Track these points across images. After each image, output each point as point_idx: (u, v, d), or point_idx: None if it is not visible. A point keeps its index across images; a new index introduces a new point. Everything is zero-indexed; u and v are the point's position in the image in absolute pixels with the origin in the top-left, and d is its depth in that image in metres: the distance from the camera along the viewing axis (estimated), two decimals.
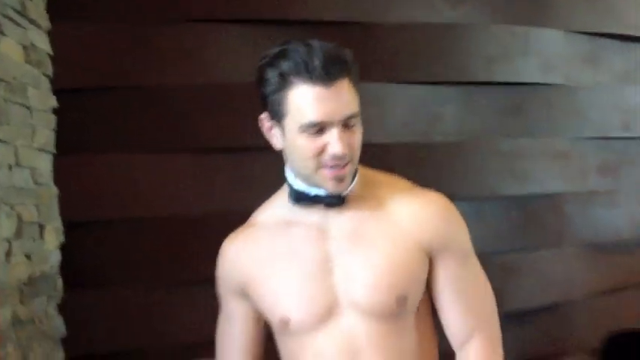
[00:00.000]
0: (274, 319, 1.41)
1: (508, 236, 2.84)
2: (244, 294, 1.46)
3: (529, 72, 2.91)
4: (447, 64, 2.72)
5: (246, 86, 2.37)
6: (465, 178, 2.76)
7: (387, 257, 1.39)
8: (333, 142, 1.30)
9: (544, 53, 2.97)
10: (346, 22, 2.59)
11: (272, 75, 1.32)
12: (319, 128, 1.30)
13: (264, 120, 1.38)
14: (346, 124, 1.30)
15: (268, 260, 1.42)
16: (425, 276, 1.42)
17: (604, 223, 3.16)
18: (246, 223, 1.50)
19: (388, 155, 2.59)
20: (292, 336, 1.41)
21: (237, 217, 2.40)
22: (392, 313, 1.39)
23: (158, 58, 2.37)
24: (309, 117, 1.29)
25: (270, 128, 1.38)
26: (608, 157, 3.18)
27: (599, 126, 3.14)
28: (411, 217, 1.41)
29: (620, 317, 3.14)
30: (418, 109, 2.69)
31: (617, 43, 3.24)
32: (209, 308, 2.37)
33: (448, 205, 1.44)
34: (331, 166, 1.31)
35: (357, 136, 1.33)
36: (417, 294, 1.42)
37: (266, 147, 2.42)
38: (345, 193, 1.37)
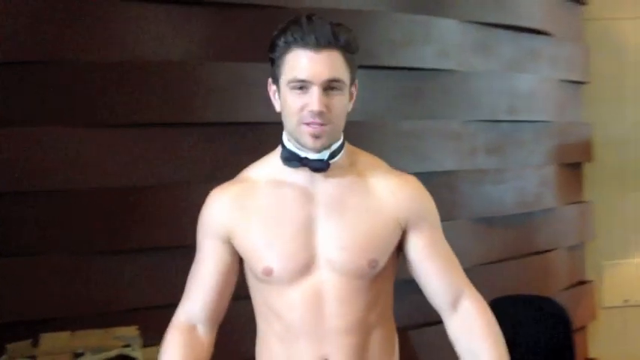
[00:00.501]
0: (258, 268, 1.59)
1: None
2: (227, 240, 1.62)
3: (428, 58, 3.12)
4: None
5: (169, 64, 2.49)
6: None
7: (364, 225, 1.58)
8: (312, 99, 1.48)
9: (441, 41, 3.18)
10: (253, 5, 2.70)
11: (278, 42, 1.52)
12: (302, 86, 1.49)
13: (269, 84, 1.58)
14: (328, 88, 1.49)
15: (257, 214, 1.59)
16: (395, 243, 1.63)
17: (492, 199, 3.42)
18: (237, 178, 1.66)
19: None
20: (270, 284, 1.60)
21: (163, 189, 2.52)
22: (363, 273, 1.59)
23: (82, 33, 2.41)
24: (295, 73, 1.49)
25: (273, 92, 1.57)
26: (496, 138, 3.45)
27: (488, 109, 3.39)
28: (390, 193, 1.61)
29: (505, 284, 3.43)
30: None
31: (507, 33, 3.50)
32: (138, 276, 2.49)
33: (419, 184, 1.67)
34: (309, 123, 1.49)
35: (338, 102, 1.51)
36: (385, 259, 1.62)
37: (192, 123, 2.55)
38: (331, 160, 1.56)
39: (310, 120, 1.49)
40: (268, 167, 1.62)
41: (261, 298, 1.64)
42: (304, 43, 1.49)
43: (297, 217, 1.57)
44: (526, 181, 3.55)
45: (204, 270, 1.65)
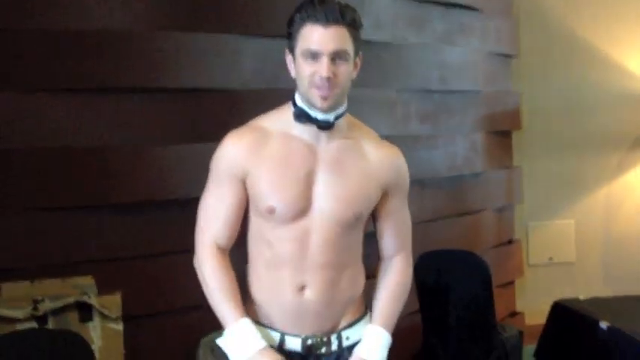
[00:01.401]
0: (263, 205, 1.90)
1: None
2: (242, 180, 1.92)
3: (364, 30, 3.30)
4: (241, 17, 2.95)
5: (112, 32, 2.64)
6: None
7: (356, 183, 1.92)
8: (321, 67, 1.80)
9: (376, 14, 3.38)
10: None
11: (295, 19, 1.83)
12: (313, 55, 1.80)
13: (286, 54, 1.89)
14: (335, 58, 1.80)
15: (268, 160, 1.89)
16: (375, 201, 1.97)
17: (425, 163, 3.65)
18: (250, 125, 1.96)
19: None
20: (270, 222, 1.91)
21: (107, 151, 2.68)
22: (348, 222, 1.92)
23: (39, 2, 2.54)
24: (307, 44, 1.80)
25: (290, 60, 1.87)
26: (429, 106, 3.68)
27: (421, 80, 3.62)
28: (380, 160, 1.95)
29: (437, 242, 3.66)
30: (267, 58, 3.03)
31: (438, 9, 3.72)
32: (93, 231, 2.65)
33: (402, 156, 2.02)
34: (319, 87, 1.81)
35: (343, 70, 1.83)
36: (367, 212, 1.97)
37: (139, 88, 2.70)
38: (333, 120, 1.86)
39: (319, 84, 1.80)
40: (280, 121, 1.92)
41: (258, 229, 1.94)
42: (316, 19, 1.79)
43: (302, 168, 1.88)
44: (456, 147, 3.79)
45: (225, 203, 1.93)
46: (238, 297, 1.94)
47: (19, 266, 2.55)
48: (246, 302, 1.97)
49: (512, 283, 4.39)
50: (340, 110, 1.89)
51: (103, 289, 2.59)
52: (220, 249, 1.96)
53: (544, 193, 4.57)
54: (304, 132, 1.89)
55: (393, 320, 2.01)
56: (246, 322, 1.90)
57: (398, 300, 2.02)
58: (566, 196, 4.60)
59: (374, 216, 2.02)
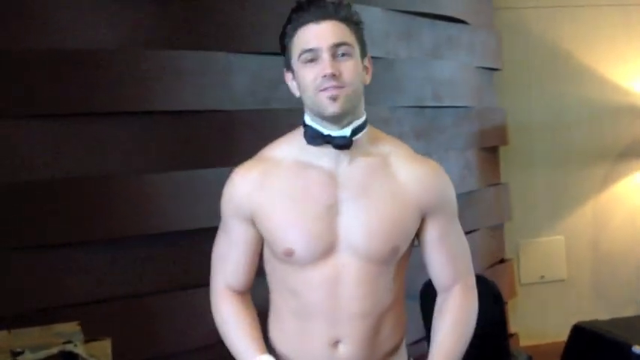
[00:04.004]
0: (279, 249, 1.61)
1: None
2: (251, 221, 1.65)
3: None
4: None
5: (96, 53, 2.42)
6: None
7: (389, 211, 1.61)
8: (323, 64, 1.54)
9: (367, 28, 3.21)
10: None
11: (287, 30, 1.58)
12: (312, 57, 1.54)
13: (285, 72, 1.63)
14: (337, 54, 1.54)
15: (282, 195, 1.61)
16: (415, 231, 1.67)
17: None
18: (258, 157, 1.68)
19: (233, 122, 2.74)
20: (291, 265, 1.62)
21: (91, 182, 2.45)
22: (384, 259, 1.62)
23: (6, 20, 2.32)
24: (302, 45, 1.54)
25: (290, 79, 1.61)
26: (422, 123, 3.53)
27: (414, 96, 3.47)
28: (415, 180, 1.64)
29: None
30: (260, 77, 2.84)
31: (427, 21, 3.59)
32: (68, 270, 2.41)
33: (443, 172, 1.72)
34: (325, 88, 1.53)
35: (350, 66, 1.55)
36: (407, 245, 1.66)
37: (122, 112, 2.48)
38: (350, 135, 1.58)
39: (325, 85, 1.53)
40: (291, 147, 1.65)
41: (279, 276, 1.66)
42: (305, 20, 1.55)
43: (321, 199, 1.59)
44: (451, 165, 3.65)
45: (234, 247, 1.69)
46: (260, 335, 1.68)
47: None
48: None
49: (506, 304, 4.24)
50: (358, 123, 1.60)
51: (91, 335, 2.32)
52: (236, 291, 1.73)
53: (532, 209, 4.47)
54: (321, 156, 1.60)
55: None
56: (269, 358, 1.63)
57: (458, 341, 1.70)
58: (554, 211, 4.51)
59: (421, 246, 1.72)
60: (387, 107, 3.33)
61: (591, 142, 4.52)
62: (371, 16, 3.24)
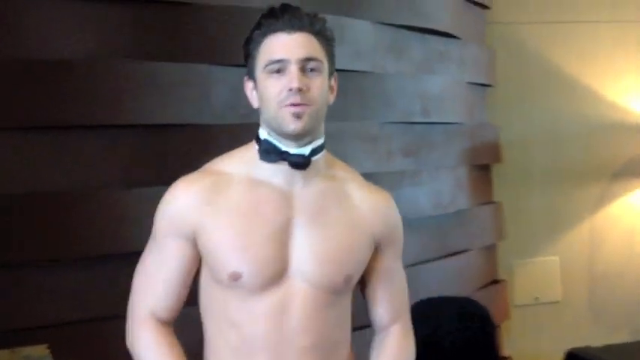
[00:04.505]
0: (224, 272, 1.47)
1: None
2: (190, 238, 1.50)
3: (343, 59, 3.06)
4: None
5: (71, 63, 2.33)
6: None
7: (344, 238, 1.51)
8: (290, 77, 1.43)
9: (356, 42, 3.14)
10: (176, 2, 2.58)
11: (254, 35, 1.47)
12: (279, 68, 1.43)
13: (245, 81, 1.53)
14: (305, 68, 1.44)
15: (229, 212, 1.47)
16: (368, 260, 1.58)
17: (409, 201, 3.40)
18: (205, 170, 1.55)
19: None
20: (235, 292, 1.48)
21: (64, 197, 2.35)
22: (337, 289, 1.51)
23: None
24: (270, 56, 1.44)
25: (250, 88, 1.51)
26: (412, 140, 3.44)
27: (403, 111, 3.38)
28: (371, 208, 1.56)
29: (422, 287, 3.40)
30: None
31: (416, 35, 3.51)
32: (37, 290, 2.30)
33: (394, 204, 1.63)
34: (290, 104, 1.42)
35: (318, 83, 1.46)
36: (359, 276, 1.57)
37: (97, 125, 2.39)
38: (309, 154, 1.48)
39: (290, 100, 1.43)
40: (242, 163, 1.53)
41: (219, 306, 1.52)
42: (276, 28, 1.45)
43: (273, 220, 1.48)
44: (442, 183, 3.56)
45: (166, 267, 1.53)
46: None
47: None
48: None
49: (499, 326, 4.13)
50: (317, 143, 1.51)
51: (61, 359, 2.21)
52: (161, 321, 1.55)
53: (525, 229, 4.36)
54: (275, 174, 1.49)
55: None
56: None
57: None
58: (548, 231, 4.40)
59: (363, 278, 1.62)
60: (375, 123, 3.24)
61: (587, 160, 4.42)
62: (359, 29, 3.17)
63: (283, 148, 1.48)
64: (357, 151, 3.11)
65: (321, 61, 1.47)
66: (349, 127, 3.09)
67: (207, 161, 2.58)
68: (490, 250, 4.11)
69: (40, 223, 2.32)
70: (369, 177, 3.15)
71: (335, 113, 3.11)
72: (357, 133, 3.13)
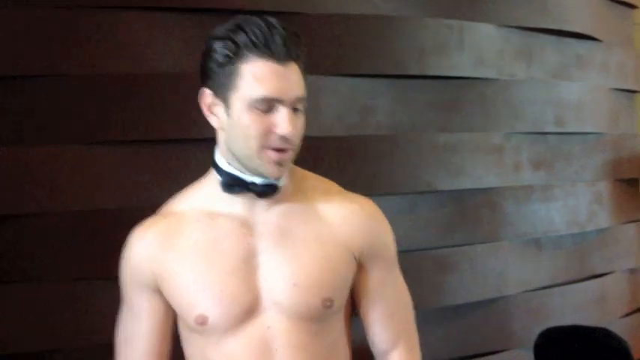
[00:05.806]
0: (189, 318, 1.34)
1: (443, 231, 2.80)
2: (155, 289, 1.37)
3: (463, 66, 2.89)
4: (380, 56, 2.67)
5: (172, 77, 2.31)
6: (399, 173, 2.71)
7: (315, 257, 1.34)
8: (284, 122, 1.26)
9: (478, 47, 2.94)
10: (281, 12, 2.51)
11: (222, 47, 1.26)
12: (269, 106, 1.25)
13: (206, 96, 1.32)
14: (294, 108, 1.28)
15: (187, 254, 1.35)
16: (351, 278, 1.39)
17: (540, 218, 3.15)
18: (160, 213, 1.41)
19: (320, 149, 2.54)
20: (206, 335, 1.34)
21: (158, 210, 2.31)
22: (317, 315, 1.34)
23: (84, 46, 2.25)
24: (261, 91, 1.25)
25: (211, 105, 1.32)
26: (543, 151, 3.18)
27: (532, 121, 3.13)
28: (342, 220, 1.38)
29: (556, 313, 3.14)
30: (351, 102, 2.63)
31: (551, 38, 3.25)
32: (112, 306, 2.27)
33: (377, 211, 1.42)
34: (276, 149, 1.27)
35: (301, 122, 1.30)
36: (342, 296, 1.38)
37: (189, 139, 2.35)
38: (280, 183, 1.32)
39: (278, 145, 1.27)
40: (198, 197, 1.39)
41: (196, 349, 1.38)
42: (267, 52, 1.25)
43: (235, 252, 1.33)
44: (578, 199, 3.27)
45: (138, 328, 1.41)
46: None
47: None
48: None
49: None
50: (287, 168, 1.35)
51: None
52: None
53: None
54: (232, 204, 1.34)
55: None
56: None
57: None
58: None
59: (354, 299, 1.43)
60: (500, 134, 3.02)
61: None
62: (482, 33, 2.97)
63: (249, 179, 1.33)
64: (477, 164, 2.91)
65: (305, 100, 1.31)
66: (469, 138, 2.89)
67: (315, 172, 2.52)
68: (635, 273, 3.74)
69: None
70: (489, 192, 3.06)
71: (452, 124, 3.00)
72: (478, 145, 2.93)
